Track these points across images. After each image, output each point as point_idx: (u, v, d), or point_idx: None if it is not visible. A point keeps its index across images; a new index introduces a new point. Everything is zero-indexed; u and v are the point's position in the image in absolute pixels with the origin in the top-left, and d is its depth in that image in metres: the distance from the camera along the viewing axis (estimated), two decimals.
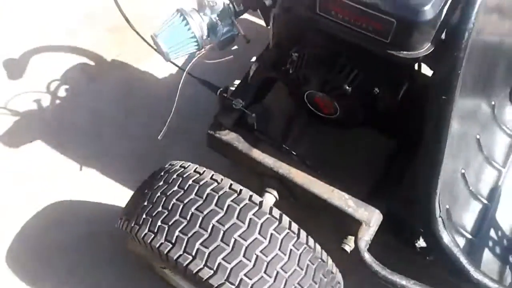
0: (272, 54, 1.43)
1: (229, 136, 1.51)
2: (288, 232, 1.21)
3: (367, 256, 1.37)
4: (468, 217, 1.57)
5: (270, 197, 1.50)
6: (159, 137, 1.51)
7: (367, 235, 1.39)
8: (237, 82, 1.55)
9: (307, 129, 1.61)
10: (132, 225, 1.24)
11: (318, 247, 1.28)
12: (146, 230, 1.21)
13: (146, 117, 2.09)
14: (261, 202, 1.24)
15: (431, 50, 1.10)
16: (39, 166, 1.99)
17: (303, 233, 1.25)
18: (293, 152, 1.51)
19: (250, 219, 1.20)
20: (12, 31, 2.33)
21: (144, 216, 1.24)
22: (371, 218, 1.40)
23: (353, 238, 1.40)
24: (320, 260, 1.25)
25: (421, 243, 1.37)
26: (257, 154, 1.49)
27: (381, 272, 1.35)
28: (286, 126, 1.61)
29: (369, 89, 1.25)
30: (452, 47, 1.05)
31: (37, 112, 2.09)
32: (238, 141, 1.50)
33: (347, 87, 1.24)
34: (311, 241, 1.26)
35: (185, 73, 1.45)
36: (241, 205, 1.21)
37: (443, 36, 1.10)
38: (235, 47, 1.85)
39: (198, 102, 2.02)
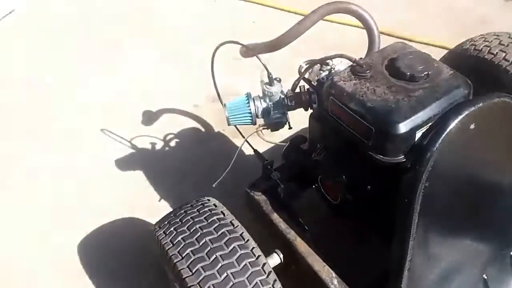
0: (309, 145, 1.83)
1: (260, 197, 1.87)
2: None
3: None
4: None
5: (275, 257, 1.79)
6: (213, 185, 1.95)
7: None
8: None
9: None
10: (161, 233, 1.61)
11: None
12: (168, 241, 1.56)
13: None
14: (259, 256, 1.50)
15: (403, 161, 1.38)
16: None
17: (277, 285, 1.47)
18: (306, 227, 1.80)
19: (245, 264, 1.45)
20: None
21: (171, 229, 1.60)
22: None
23: None
24: None
25: None
26: (275, 217, 1.82)
27: None
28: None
29: (362, 185, 1.53)
30: (416, 160, 1.32)
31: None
32: (265, 203, 1.86)
33: (344, 177, 1.55)
34: None
35: (244, 140, 1.91)
36: (243, 251, 1.48)
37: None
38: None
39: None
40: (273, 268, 1.74)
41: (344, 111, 1.45)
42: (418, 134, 1.36)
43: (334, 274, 1.67)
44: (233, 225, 1.56)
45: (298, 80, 1.71)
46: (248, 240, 1.52)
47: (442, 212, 1.45)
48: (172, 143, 2.71)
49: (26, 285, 2.20)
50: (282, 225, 1.80)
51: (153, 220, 1.75)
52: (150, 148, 2.69)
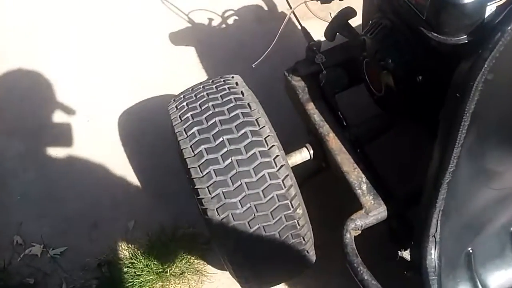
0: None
1: (297, 83, 1.62)
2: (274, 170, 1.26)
3: (348, 237, 1.35)
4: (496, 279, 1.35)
5: (305, 152, 1.57)
6: (253, 65, 1.72)
7: (359, 220, 1.36)
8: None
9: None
10: (173, 107, 1.44)
11: (295, 199, 1.28)
12: (177, 116, 1.37)
13: None
14: (272, 146, 1.28)
15: (463, 42, 1.03)
16: None
17: (288, 182, 1.28)
18: (344, 122, 1.53)
19: (254, 153, 1.26)
20: None
21: (183, 103, 1.40)
22: (372, 209, 1.37)
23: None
24: (288, 202, 1.28)
25: (405, 254, 1.28)
26: (310, 107, 1.57)
27: (351, 258, 1.31)
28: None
29: (411, 74, 1.21)
30: (479, 43, 0.97)
31: None
32: (303, 90, 1.60)
33: (390, 62, 1.23)
34: (291, 191, 1.28)
35: (290, 12, 1.61)
36: (254, 138, 1.27)
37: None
38: None
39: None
40: (302, 163, 1.58)
41: None
42: (489, 9, 0.99)
43: (364, 179, 1.42)
44: (250, 107, 1.35)
45: None
46: (263, 126, 1.31)
47: (503, 123, 1.10)
48: (230, 20, 2.47)
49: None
50: (316, 117, 1.55)
51: None
52: (207, 23, 2.47)
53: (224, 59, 2.37)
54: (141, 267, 1.85)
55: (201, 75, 2.33)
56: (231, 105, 1.35)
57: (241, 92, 1.41)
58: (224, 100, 1.37)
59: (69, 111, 2.33)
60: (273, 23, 2.40)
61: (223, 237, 1.29)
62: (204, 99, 1.39)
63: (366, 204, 1.38)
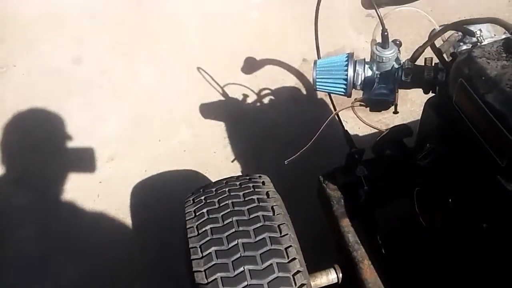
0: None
1: (333, 192, 1.43)
2: None
3: None
4: None
5: (332, 275, 1.36)
6: (285, 162, 1.55)
7: None
8: None
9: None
10: (190, 200, 1.28)
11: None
12: (192, 210, 1.22)
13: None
14: (293, 259, 1.09)
15: None
16: None
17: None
18: (383, 249, 1.32)
19: (270, 264, 1.07)
20: None
21: (201, 197, 1.25)
22: None
23: None
24: None
25: None
26: (345, 223, 1.37)
27: None
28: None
29: (475, 219, 1.01)
30: None
31: None
32: (338, 202, 1.41)
33: (450, 202, 1.04)
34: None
35: (333, 114, 1.45)
36: (274, 246, 1.10)
37: None
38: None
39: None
40: (326, 286, 1.36)
41: (476, 104, 0.94)
42: None
43: None
44: (274, 211, 1.18)
45: (423, 48, 1.20)
46: (285, 235, 1.13)
47: None
48: (266, 100, 2.34)
49: None
50: (350, 236, 1.35)
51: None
52: (241, 99, 2.34)
53: (254, 136, 2.23)
54: None
55: (226, 152, 2.17)
56: (253, 205, 1.19)
57: (267, 193, 1.24)
58: (246, 199, 1.21)
59: (81, 166, 2.19)
60: (310, 106, 2.26)
61: None
62: (225, 195, 1.23)
63: None
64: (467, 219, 1.03)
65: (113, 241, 1.94)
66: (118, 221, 2.00)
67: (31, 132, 2.32)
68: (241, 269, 1.06)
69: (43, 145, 2.25)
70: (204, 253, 1.10)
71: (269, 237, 1.11)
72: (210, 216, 1.17)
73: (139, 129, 2.29)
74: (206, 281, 1.07)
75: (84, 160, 2.20)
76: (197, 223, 1.17)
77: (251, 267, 1.07)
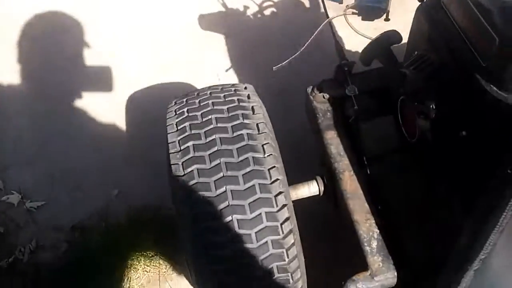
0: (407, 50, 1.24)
1: (319, 105, 1.40)
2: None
3: None
4: None
5: (314, 186, 1.36)
6: (274, 68, 1.50)
7: (362, 283, 1.15)
8: None
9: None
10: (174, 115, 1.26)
11: (292, 249, 1.07)
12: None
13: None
14: (268, 155, 1.08)
15: None
16: None
17: (286, 227, 1.05)
18: (365, 161, 1.31)
19: (253, 186, 1.05)
20: None
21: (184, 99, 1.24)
22: (379, 273, 1.15)
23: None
24: (283, 252, 1.05)
25: None
26: (329, 135, 1.35)
27: None
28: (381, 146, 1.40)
29: (454, 126, 0.98)
30: None
31: None
32: (324, 114, 1.38)
33: (431, 107, 1.00)
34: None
35: (325, 22, 1.38)
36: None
37: None
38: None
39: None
40: (311, 197, 1.37)
41: (463, 2, 0.87)
42: None
43: (376, 234, 1.20)
44: (258, 129, 1.14)
45: None
46: (269, 155, 1.09)
47: None
48: (267, 11, 2.25)
49: None
50: (333, 148, 1.33)
51: None
52: (242, 10, 2.26)
53: (250, 46, 2.20)
54: (115, 239, 1.71)
55: (221, 61, 2.15)
56: (237, 122, 1.14)
57: (252, 108, 1.20)
58: (230, 114, 1.16)
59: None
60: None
61: (206, 277, 1.10)
62: (208, 109, 1.18)
63: (373, 265, 1.16)
64: (447, 127, 1.00)
65: (107, 136, 2.00)
66: (114, 121, 2.05)
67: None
68: (223, 189, 1.04)
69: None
70: (186, 171, 1.07)
71: (253, 157, 1.07)
72: (192, 132, 1.12)
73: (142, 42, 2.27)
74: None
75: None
76: (178, 138, 1.13)
77: (232, 187, 1.04)
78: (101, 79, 2.16)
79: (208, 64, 2.16)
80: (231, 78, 2.10)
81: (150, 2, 2.41)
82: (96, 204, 1.82)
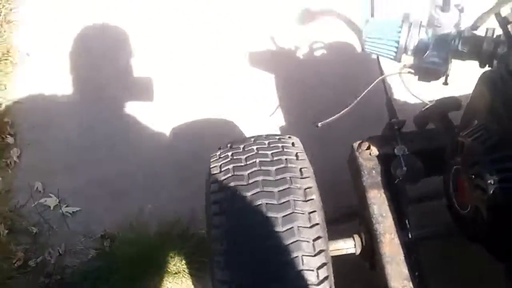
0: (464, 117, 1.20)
1: (365, 162, 1.36)
2: None
3: None
4: None
5: (350, 244, 1.31)
6: (318, 124, 1.47)
7: None
8: None
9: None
10: (215, 154, 1.27)
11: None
12: (218, 165, 1.21)
13: None
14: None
15: None
16: None
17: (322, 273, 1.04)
18: (408, 224, 1.25)
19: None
20: None
21: (228, 153, 1.24)
22: None
23: None
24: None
25: None
26: (372, 195, 1.31)
27: None
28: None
29: None
30: None
31: None
32: (369, 173, 1.34)
33: (491, 183, 0.95)
34: None
35: (379, 79, 1.36)
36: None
37: None
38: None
39: None
40: (346, 254, 1.32)
41: None
42: None
43: None
44: (302, 173, 1.14)
45: (487, 15, 1.08)
46: (310, 199, 1.10)
47: None
48: (318, 53, 2.25)
49: None
50: (376, 208, 1.28)
51: None
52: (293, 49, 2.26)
53: (299, 94, 2.18)
54: (142, 252, 1.74)
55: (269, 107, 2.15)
56: (281, 166, 1.15)
57: (296, 154, 1.20)
58: (274, 159, 1.18)
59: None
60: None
61: None
62: (252, 153, 1.20)
63: None
64: (506, 207, 0.94)
65: (154, 151, 2.04)
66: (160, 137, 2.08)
67: None
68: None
69: None
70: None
71: (294, 200, 1.08)
72: (236, 173, 1.15)
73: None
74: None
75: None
76: (221, 179, 1.15)
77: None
78: (148, 90, 2.21)
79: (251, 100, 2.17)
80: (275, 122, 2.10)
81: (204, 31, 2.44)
82: (129, 215, 1.85)
